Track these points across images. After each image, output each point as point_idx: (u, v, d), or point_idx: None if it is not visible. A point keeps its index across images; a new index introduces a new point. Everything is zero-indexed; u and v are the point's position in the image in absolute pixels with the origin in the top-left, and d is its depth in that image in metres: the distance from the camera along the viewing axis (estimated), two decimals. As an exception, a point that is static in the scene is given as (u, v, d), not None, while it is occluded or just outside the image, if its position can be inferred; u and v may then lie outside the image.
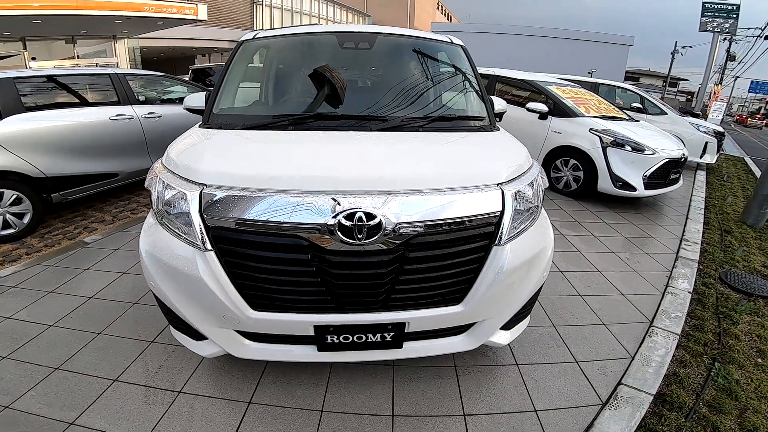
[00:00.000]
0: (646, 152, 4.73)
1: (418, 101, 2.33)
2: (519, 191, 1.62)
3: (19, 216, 3.60)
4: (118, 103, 4.38)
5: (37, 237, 3.67)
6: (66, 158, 3.84)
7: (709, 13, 17.69)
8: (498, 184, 1.59)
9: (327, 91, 2.27)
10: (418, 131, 1.97)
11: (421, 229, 1.46)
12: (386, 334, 1.57)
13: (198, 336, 1.65)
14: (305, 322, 1.52)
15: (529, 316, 1.98)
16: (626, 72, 29.31)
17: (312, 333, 1.54)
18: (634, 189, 4.72)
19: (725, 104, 17.37)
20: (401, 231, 1.43)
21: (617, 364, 2.19)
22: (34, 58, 15.61)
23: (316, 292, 1.50)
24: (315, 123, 1.99)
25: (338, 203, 1.41)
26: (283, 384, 1.91)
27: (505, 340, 1.82)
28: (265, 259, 1.46)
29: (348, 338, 1.57)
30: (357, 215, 1.39)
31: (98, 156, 4.11)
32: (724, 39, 20.25)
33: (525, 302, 1.75)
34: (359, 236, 1.40)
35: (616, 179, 4.76)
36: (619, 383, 2.04)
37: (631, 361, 2.21)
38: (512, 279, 1.62)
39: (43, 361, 2.03)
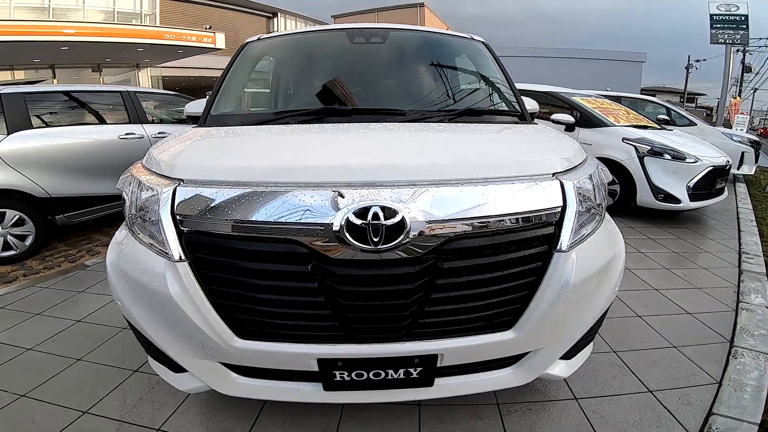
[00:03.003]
0: (687, 160, 4.34)
1: (439, 97, 2.08)
2: (579, 186, 1.30)
3: (21, 238, 3.42)
4: (128, 121, 4.23)
5: (38, 259, 3.48)
6: (72, 178, 3.67)
7: (718, 25, 17.36)
8: (554, 175, 1.27)
9: (337, 87, 2.04)
10: (444, 123, 1.71)
11: (458, 230, 1.13)
12: (412, 370, 1.22)
13: (177, 367, 1.33)
14: (306, 354, 1.18)
15: (592, 343, 1.60)
16: (642, 89, 29.03)
17: (315, 368, 1.20)
18: (678, 201, 4.30)
19: (747, 117, 16.77)
20: (431, 233, 1.11)
21: (702, 391, 1.84)
22: (62, 86, 16.33)
23: (319, 317, 1.17)
24: (323, 119, 1.75)
25: (341, 195, 1.10)
26: (283, 426, 1.57)
27: (564, 372, 1.44)
28: (253, 273, 1.15)
29: (362, 375, 1.21)
30: (372, 211, 1.07)
31: (106, 177, 3.86)
32: (737, 50, 19.82)
33: (592, 325, 1.38)
34: (375, 239, 1.08)
35: (657, 191, 4.34)
36: (710, 413, 1.68)
37: (719, 387, 1.85)
38: (578, 296, 1.26)
39: (10, 387, 1.80)
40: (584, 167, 1.43)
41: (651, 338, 2.26)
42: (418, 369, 1.22)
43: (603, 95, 7.39)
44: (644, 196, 4.43)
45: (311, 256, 1.12)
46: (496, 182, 1.19)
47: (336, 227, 1.08)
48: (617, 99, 8.12)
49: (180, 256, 1.15)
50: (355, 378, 1.22)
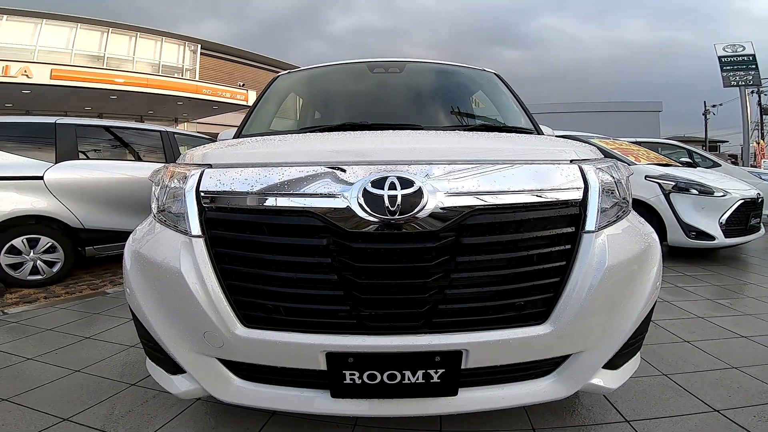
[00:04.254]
0: (716, 194, 4.18)
1: (454, 117, 2.24)
2: (599, 172, 1.25)
3: (50, 264, 3.52)
4: (165, 160, 4.40)
5: (62, 285, 3.56)
6: (106, 212, 3.79)
7: (728, 67, 17.53)
8: (572, 161, 1.26)
9: (357, 108, 2.30)
10: (459, 131, 1.81)
11: (477, 203, 1.09)
12: (432, 372, 1.09)
13: (174, 368, 1.26)
14: (314, 346, 1.08)
15: (639, 354, 1.44)
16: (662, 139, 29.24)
17: (323, 366, 1.10)
18: (712, 238, 4.08)
19: (774, 162, 16.33)
20: (449, 206, 1.07)
21: (781, 407, 1.64)
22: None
23: (331, 299, 1.10)
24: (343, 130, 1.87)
25: (358, 170, 1.12)
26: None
27: (612, 383, 1.28)
28: (267, 247, 1.13)
29: (375, 377, 1.09)
30: (389, 181, 1.07)
31: (138, 213, 3.94)
32: (752, 92, 19.79)
33: (638, 324, 1.25)
34: (392, 209, 1.04)
35: (688, 229, 4.14)
36: (801, 428, 1.48)
37: (801, 402, 1.65)
38: (615, 284, 1.17)
39: (-3, 392, 1.76)
40: (602, 161, 1.39)
41: (705, 361, 2.07)
42: (440, 371, 1.09)
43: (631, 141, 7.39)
44: (675, 235, 4.22)
45: (327, 230, 1.09)
46: (514, 163, 1.19)
47: (353, 197, 1.07)
48: (636, 144, 8.13)
49: (198, 232, 1.16)
50: (367, 381, 1.10)
